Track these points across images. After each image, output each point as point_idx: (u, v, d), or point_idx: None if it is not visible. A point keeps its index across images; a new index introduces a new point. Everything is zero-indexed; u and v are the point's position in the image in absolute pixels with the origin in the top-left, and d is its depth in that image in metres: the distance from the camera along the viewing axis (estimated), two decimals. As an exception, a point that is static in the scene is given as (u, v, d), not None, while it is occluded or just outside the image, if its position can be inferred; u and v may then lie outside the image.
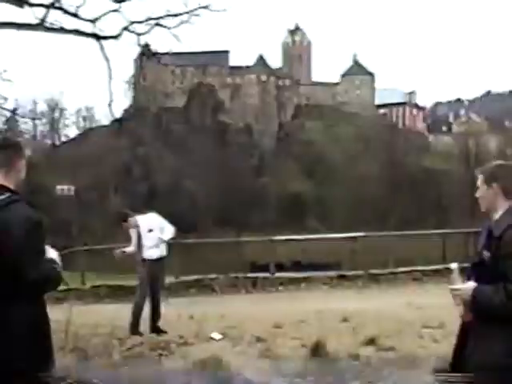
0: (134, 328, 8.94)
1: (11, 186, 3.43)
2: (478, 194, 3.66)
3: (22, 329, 3.27)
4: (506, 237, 3.36)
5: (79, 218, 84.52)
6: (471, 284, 3.46)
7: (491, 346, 3.32)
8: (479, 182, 3.64)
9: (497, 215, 3.54)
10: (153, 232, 9.27)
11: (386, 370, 6.86)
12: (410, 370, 6.90)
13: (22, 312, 3.25)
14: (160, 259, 9.32)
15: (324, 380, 6.36)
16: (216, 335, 8.75)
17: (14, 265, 3.17)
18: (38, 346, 3.37)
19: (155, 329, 9.10)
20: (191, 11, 16.80)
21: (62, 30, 15.81)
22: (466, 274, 3.61)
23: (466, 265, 3.71)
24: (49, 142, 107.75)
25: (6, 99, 19.19)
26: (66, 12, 15.55)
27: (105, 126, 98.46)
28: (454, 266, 3.61)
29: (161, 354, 7.56)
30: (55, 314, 8.99)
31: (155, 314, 9.18)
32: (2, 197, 3.31)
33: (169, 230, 9.49)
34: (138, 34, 16.97)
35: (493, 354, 3.30)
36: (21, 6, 15.25)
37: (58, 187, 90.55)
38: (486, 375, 3.32)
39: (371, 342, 8.06)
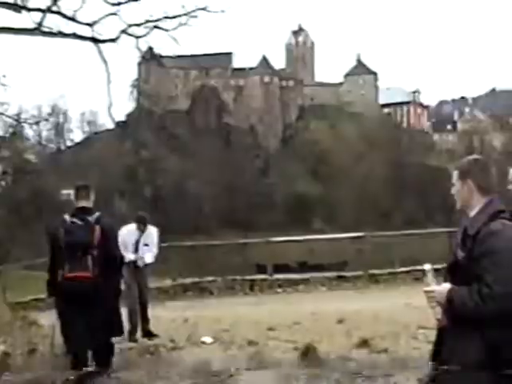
0: (132, 335, 8.84)
1: (91, 207, 6.41)
2: (453, 191, 3.50)
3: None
4: (480, 235, 3.21)
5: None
6: (446, 286, 3.31)
7: (464, 347, 3.18)
8: (454, 178, 3.48)
9: (472, 213, 3.38)
10: (148, 247, 9.41)
11: (377, 372, 6.71)
12: (401, 372, 6.74)
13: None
14: (145, 265, 9.41)
15: (312, 383, 6.22)
16: (207, 339, 8.63)
17: (110, 248, 6.29)
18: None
19: (146, 333, 8.99)
20: (189, 13, 16.74)
21: (59, 34, 15.75)
22: (443, 275, 3.47)
23: (441, 266, 3.57)
24: (53, 146, 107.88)
25: (7, 104, 19.17)
26: (63, 16, 15.50)
27: (109, 130, 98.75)
28: (427, 267, 3.47)
29: (149, 359, 7.43)
30: (43, 318, 8.89)
31: (144, 319, 9.09)
32: (96, 215, 6.31)
33: (154, 252, 9.57)
34: (137, 37, 16.91)
35: (465, 354, 3.17)
36: (18, 11, 15.20)
37: (64, 192, 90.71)
38: (459, 375, 3.18)
39: (364, 343, 7.92)
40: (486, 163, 3.44)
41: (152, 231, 9.52)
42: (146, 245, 9.33)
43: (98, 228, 6.16)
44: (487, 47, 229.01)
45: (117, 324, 6.53)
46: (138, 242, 9.27)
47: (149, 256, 9.37)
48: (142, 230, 9.28)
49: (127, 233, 9.23)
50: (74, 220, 6.23)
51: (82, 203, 6.37)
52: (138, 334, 9.05)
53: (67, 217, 6.29)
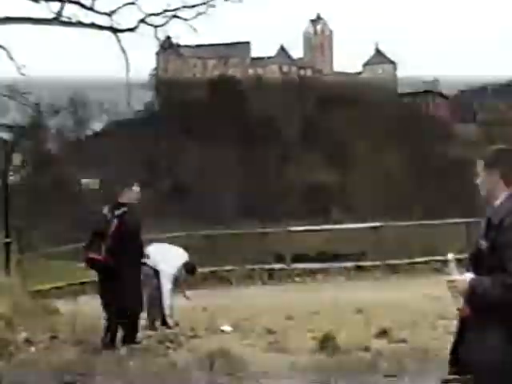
0: (152, 324, 8.87)
1: (127, 202, 7.62)
2: (477, 181, 3.46)
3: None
4: (504, 225, 3.18)
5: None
6: (468, 275, 3.28)
7: (487, 337, 3.15)
8: (479, 168, 3.43)
9: (496, 202, 3.34)
10: None
11: (396, 363, 6.70)
12: (421, 363, 6.73)
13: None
14: None
15: (329, 372, 6.22)
16: (226, 327, 8.67)
17: (127, 238, 7.38)
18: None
19: (165, 321, 9.02)
20: (207, 2, 16.70)
21: (78, 23, 15.80)
22: (465, 265, 3.43)
23: (465, 255, 3.54)
24: (73, 135, 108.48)
25: (28, 94, 19.32)
26: (81, 6, 15.52)
27: (128, 120, 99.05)
28: (450, 256, 3.43)
29: (168, 347, 7.48)
30: (63, 306, 8.98)
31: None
32: (121, 210, 7.46)
33: None
34: (155, 27, 16.90)
35: (488, 344, 3.14)
36: (37, 1, 15.26)
37: (84, 181, 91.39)
38: (486, 376, 3.14)
39: (383, 334, 7.90)
40: (512, 153, 3.39)
41: None
42: None
43: (115, 221, 7.39)
44: (508, 36, 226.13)
45: (136, 298, 7.62)
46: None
47: None
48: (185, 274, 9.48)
49: (174, 268, 9.22)
50: (105, 213, 7.56)
51: (119, 198, 7.70)
52: (158, 322, 9.08)
53: (105, 209, 7.63)
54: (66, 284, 15.93)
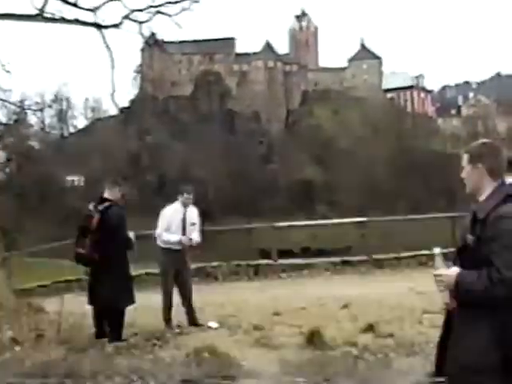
0: (167, 321, 8.75)
1: (111, 198, 7.66)
2: (462, 175, 3.48)
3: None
4: (490, 219, 3.19)
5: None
6: (455, 269, 3.29)
7: (473, 331, 3.16)
8: (464, 162, 3.45)
9: (482, 197, 3.36)
10: (194, 226, 8.88)
11: (382, 357, 6.72)
12: (407, 357, 6.75)
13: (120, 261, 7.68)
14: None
15: (317, 368, 6.22)
16: (213, 324, 8.65)
17: (108, 232, 7.35)
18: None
19: (192, 321, 8.82)
20: (191, -3, 16.58)
21: (62, 20, 15.64)
22: (452, 260, 3.44)
23: (451, 250, 3.56)
24: (57, 133, 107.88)
25: (11, 91, 19.07)
26: (65, 2, 15.37)
27: (112, 116, 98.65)
28: (436, 250, 3.45)
29: (155, 344, 7.44)
30: (49, 304, 8.90)
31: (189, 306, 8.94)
32: (104, 205, 7.53)
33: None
34: (140, 23, 16.79)
35: (474, 337, 3.15)
36: (20, -4, 15.10)
37: (68, 178, 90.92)
38: (471, 369, 3.15)
39: (370, 328, 7.91)
40: (497, 147, 3.41)
41: (194, 209, 8.99)
42: (193, 224, 8.82)
43: (97, 216, 7.47)
44: (492, 31, 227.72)
45: (122, 294, 7.60)
46: (185, 221, 8.74)
47: (196, 235, 8.81)
48: (186, 204, 8.76)
49: (172, 213, 8.70)
50: (90, 208, 7.63)
51: (104, 194, 7.73)
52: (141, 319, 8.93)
53: (91, 205, 7.68)
54: (51, 282, 15.79)
